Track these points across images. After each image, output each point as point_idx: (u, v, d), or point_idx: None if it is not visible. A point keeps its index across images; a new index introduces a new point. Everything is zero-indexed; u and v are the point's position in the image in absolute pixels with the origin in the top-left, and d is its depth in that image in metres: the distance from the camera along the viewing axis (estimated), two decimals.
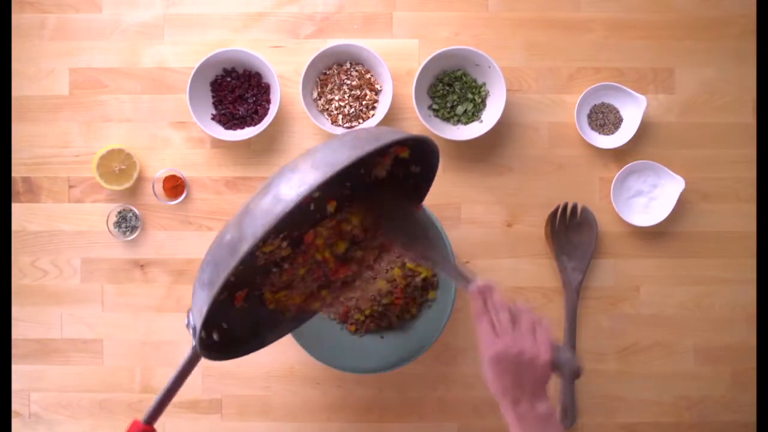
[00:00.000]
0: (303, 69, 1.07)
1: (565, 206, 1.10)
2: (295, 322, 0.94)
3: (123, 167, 1.09)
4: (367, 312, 1.06)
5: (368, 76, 1.10)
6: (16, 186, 1.13)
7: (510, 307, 0.73)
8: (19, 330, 1.13)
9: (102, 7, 1.13)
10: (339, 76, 1.10)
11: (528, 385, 0.71)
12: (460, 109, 1.10)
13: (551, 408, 0.72)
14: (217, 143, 1.12)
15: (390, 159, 0.83)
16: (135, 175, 1.10)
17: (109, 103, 1.13)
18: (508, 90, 1.07)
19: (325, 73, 1.11)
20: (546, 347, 0.71)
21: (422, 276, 1.06)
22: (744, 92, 1.13)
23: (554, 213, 1.10)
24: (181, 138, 1.13)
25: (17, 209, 1.13)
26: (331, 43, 1.12)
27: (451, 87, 1.10)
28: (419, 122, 1.10)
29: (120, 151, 1.09)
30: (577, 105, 1.10)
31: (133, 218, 1.11)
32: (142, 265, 1.13)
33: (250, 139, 1.12)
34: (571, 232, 1.10)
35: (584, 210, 1.10)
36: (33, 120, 1.13)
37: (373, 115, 1.10)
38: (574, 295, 1.08)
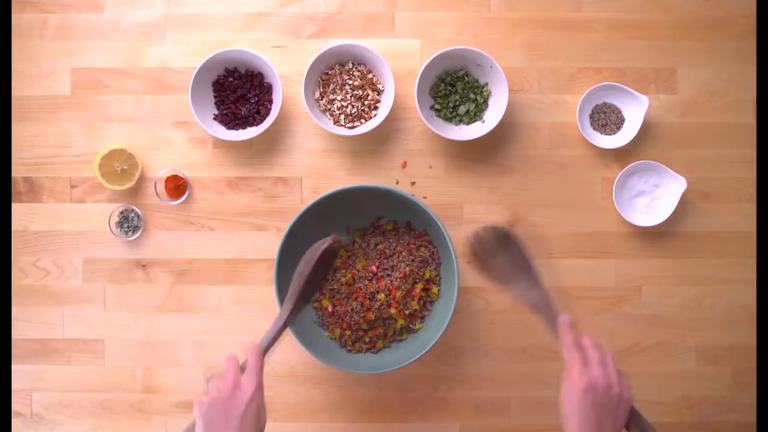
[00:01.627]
0: (305, 69, 1.07)
1: (476, 236, 0.91)
2: None
3: (125, 167, 1.09)
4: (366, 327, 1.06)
5: (370, 76, 1.10)
6: (18, 186, 1.13)
7: (598, 345, 0.77)
8: (20, 330, 1.13)
9: (104, 7, 1.13)
10: (341, 76, 1.10)
11: (609, 425, 0.73)
12: (462, 109, 1.10)
13: None
14: (219, 143, 1.12)
15: None
16: (137, 175, 1.10)
17: (110, 103, 1.13)
18: (510, 90, 1.07)
19: (327, 73, 1.11)
20: (628, 387, 0.76)
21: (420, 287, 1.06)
22: (745, 92, 1.13)
23: (473, 251, 0.91)
24: (183, 138, 1.13)
25: (19, 209, 1.13)
26: (332, 43, 1.12)
27: (453, 87, 1.10)
28: (421, 122, 1.10)
29: (122, 151, 1.09)
30: (578, 105, 1.10)
31: (135, 218, 1.11)
32: (143, 265, 1.12)
33: (251, 139, 1.12)
34: (498, 257, 0.90)
35: (490, 229, 0.89)
36: (34, 120, 1.13)
37: (375, 115, 1.10)
38: (550, 311, 0.86)
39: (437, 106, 1.11)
